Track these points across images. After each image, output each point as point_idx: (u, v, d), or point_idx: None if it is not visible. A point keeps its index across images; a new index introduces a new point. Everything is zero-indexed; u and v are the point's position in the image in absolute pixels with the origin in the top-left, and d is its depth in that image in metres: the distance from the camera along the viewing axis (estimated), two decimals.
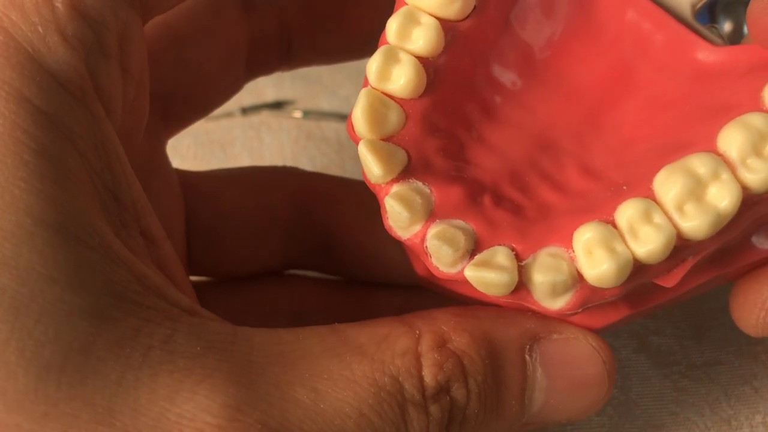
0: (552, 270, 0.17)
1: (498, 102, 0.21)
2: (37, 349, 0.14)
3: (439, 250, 0.18)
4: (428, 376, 0.17)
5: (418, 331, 0.18)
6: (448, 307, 0.19)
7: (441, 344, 0.18)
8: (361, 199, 0.26)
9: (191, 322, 0.16)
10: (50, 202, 0.15)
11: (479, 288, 0.18)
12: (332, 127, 0.35)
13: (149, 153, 0.23)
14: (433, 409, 0.17)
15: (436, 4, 0.19)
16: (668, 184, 0.17)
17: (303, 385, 0.16)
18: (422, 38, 0.19)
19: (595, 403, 0.19)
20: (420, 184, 0.19)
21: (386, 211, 0.19)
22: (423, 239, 0.18)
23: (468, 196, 0.19)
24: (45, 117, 0.16)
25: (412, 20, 0.19)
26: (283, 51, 0.26)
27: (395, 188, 0.18)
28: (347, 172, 0.33)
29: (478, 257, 0.18)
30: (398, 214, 0.18)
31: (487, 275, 0.17)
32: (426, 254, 0.18)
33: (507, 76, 0.21)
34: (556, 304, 0.18)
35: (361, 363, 0.17)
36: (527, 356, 0.18)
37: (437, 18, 0.20)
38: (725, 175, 0.17)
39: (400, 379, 0.17)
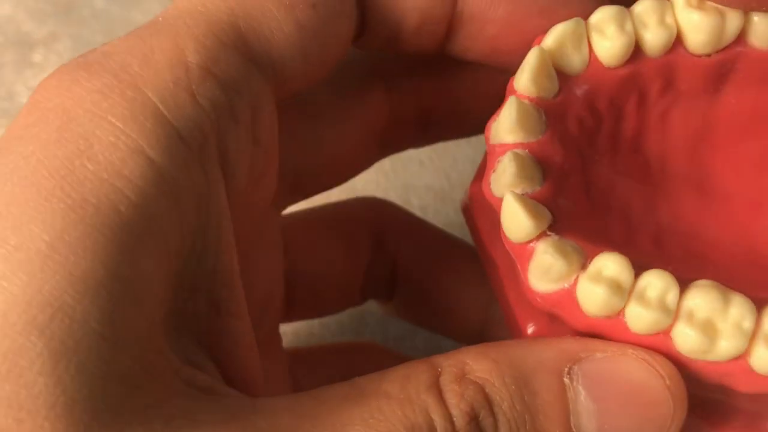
0: None
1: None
2: (69, 406, 0.14)
3: (596, 292, 0.17)
4: (453, 407, 0.16)
5: (439, 368, 0.17)
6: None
7: (461, 375, 0.17)
8: (435, 242, 0.27)
9: (209, 398, 0.16)
10: (128, 259, 0.15)
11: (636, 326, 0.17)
12: None
13: (266, 220, 0.23)
14: None
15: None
16: None
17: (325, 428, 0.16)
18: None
19: (661, 427, 0.17)
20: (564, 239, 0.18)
21: (531, 267, 0.18)
22: (574, 288, 0.17)
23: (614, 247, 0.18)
24: (153, 169, 0.16)
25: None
26: (419, 131, 0.25)
27: (546, 241, 0.17)
28: None
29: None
30: (553, 265, 0.17)
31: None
32: (576, 302, 0.17)
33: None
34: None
35: (389, 404, 0.16)
36: (566, 379, 0.17)
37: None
38: None
39: (430, 411, 0.16)
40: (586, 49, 0.19)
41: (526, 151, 0.19)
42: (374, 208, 0.27)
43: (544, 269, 0.17)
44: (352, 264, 0.26)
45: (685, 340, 0.17)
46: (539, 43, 0.19)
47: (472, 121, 0.25)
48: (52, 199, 0.15)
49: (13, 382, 0.14)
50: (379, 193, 0.32)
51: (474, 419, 0.16)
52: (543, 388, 0.17)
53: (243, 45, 0.18)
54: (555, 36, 0.19)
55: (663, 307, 0.17)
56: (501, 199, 0.18)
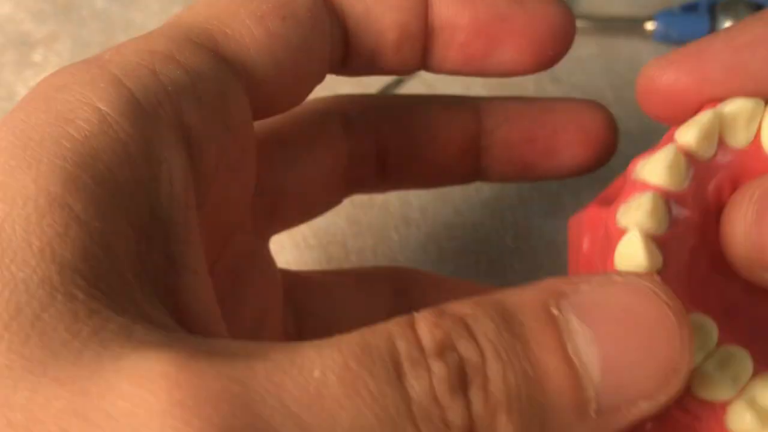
0: None
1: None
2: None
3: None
4: (424, 334, 0.15)
5: (413, 312, 0.16)
6: None
7: (439, 311, 0.15)
8: (456, 293, 0.27)
9: (156, 326, 0.15)
10: (64, 178, 0.16)
11: None
12: None
13: (253, 247, 0.24)
14: (437, 365, 0.14)
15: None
16: None
17: (275, 349, 0.14)
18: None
19: (670, 351, 0.16)
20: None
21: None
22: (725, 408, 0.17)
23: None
24: (100, 116, 0.17)
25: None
26: (379, 172, 0.26)
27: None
28: None
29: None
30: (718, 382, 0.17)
31: None
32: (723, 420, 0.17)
33: None
34: None
35: (349, 336, 0.15)
36: (553, 310, 0.16)
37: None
38: None
39: (393, 338, 0.15)
40: (754, 128, 0.20)
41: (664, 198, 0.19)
42: (398, 273, 0.27)
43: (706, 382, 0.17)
44: (372, 310, 0.26)
45: None
46: (714, 107, 0.20)
47: (429, 169, 0.26)
48: (2, 143, 0.17)
49: None
50: (378, 195, 0.32)
51: (450, 348, 0.15)
52: (529, 319, 0.15)
53: (211, 43, 0.20)
54: (733, 107, 0.20)
55: None
56: (623, 231, 0.18)
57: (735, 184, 0.20)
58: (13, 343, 0.14)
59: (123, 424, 0.13)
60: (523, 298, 0.16)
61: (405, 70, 0.24)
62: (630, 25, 0.37)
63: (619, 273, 0.17)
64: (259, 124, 0.22)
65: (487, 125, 0.25)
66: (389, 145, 0.26)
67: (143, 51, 0.19)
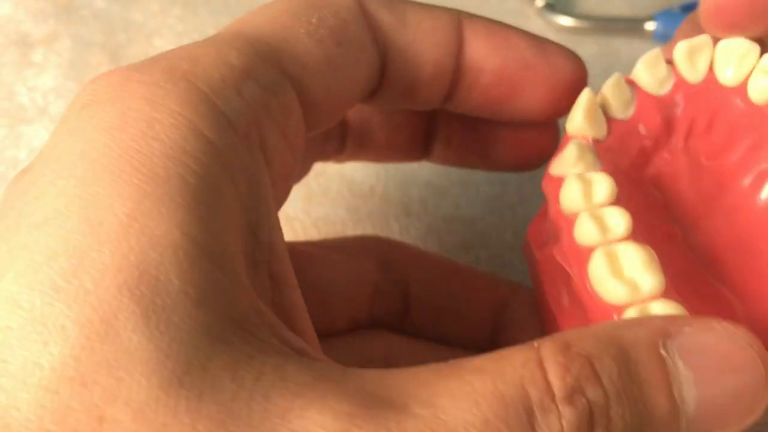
0: None
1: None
2: (161, 361, 0.15)
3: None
4: (555, 379, 0.16)
5: (537, 344, 0.17)
6: None
7: (565, 348, 0.16)
8: (437, 264, 0.28)
9: (301, 359, 0.16)
10: (201, 222, 0.16)
11: None
12: None
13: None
14: (567, 411, 0.16)
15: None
16: None
17: (420, 402, 0.15)
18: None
19: (756, 393, 0.18)
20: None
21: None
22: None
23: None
24: (211, 146, 0.17)
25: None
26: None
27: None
28: None
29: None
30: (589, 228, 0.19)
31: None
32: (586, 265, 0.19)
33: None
34: None
35: (481, 378, 0.16)
36: (662, 351, 0.17)
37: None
38: None
39: (525, 385, 0.16)
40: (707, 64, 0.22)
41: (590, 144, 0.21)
42: (381, 244, 0.28)
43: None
44: (358, 279, 0.27)
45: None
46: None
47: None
48: (125, 176, 0.16)
49: (110, 342, 0.15)
50: (378, 186, 0.32)
51: (577, 392, 0.16)
52: (644, 360, 0.17)
53: (276, 59, 0.20)
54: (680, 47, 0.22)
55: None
56: (560, 179, 0.20)
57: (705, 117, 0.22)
58: (190, 401, 0.15)
59: None
60: (638, 337, 0.17)
61: (428, 106, 0.24)
62: (630, 25, 0.37)
63: (717, 320, 0.18)
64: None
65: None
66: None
67: (223, 65, 0.19)
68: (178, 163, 0.16)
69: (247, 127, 0.18)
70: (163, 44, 0.36)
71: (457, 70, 0.23)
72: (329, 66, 0.21)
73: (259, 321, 0.16)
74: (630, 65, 0.36)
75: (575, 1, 0.37)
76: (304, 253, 0.26)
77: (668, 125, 0.22)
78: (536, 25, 0.37)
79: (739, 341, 0.17)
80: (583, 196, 0.20)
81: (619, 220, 0.19)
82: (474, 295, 0.27)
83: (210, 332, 0.15)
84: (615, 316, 0.19)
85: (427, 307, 0.27)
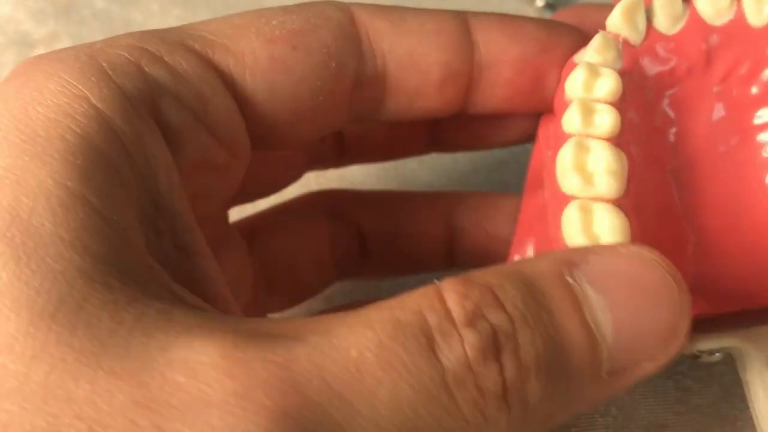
0: None
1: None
2: (32, 297, 0.15)
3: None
4: (453, 305, 0.16)
5: (437, 281, 0.16)
6: None
7: (465, 280, 0.16)
8: (383, 198, 0.28)
9: (192, 307, 0.16)
10: (78, 173, 0.17)
11: None
12: None
13: (224, 229, 0.25)
14: (469, 335, 0.15)
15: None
16: None
17: (315, 333, 0.15)
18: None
19: (674, 313, 0.17)
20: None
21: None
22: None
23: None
24: (96, 111, 0.18)
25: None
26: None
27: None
28: None
29: None
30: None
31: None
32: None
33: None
34: None
35: (378, 310, 0.16)
36: (569, 279, 0.17)
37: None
38: None
39: (422, 311, 0.15)
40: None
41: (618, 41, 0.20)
42: (329, 195, 0.28)
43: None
44: (316, 239, 0.27)
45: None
46: None
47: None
48: (9, 137, 0.17)
49: None
50: (379, 188, 0.32)
51: (479, 317, 0.15)
52: (550, 288, 0.16)
53: (207, 52, 0.20)
54: None
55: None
56: (575, 65, 0.20)
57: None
58: (62, 335, 0.15)
59: (185, 414, 0.14)
60: (540, 268, 0.17)
61: (447, 112, 0.24)
62: None
63: (623, 245, 0.17)
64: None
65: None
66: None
67: (134, 47, 0.19)
68: (60, 124, 0.17)
69: (143, 103, 0.19)
70: None
71: (473, 70, 0.23)
72: (275, 66, 0.21)
73: (148, 276, 0.16)
74: None
75: (575, 1, 0.38)
76: (261, 227, 0.26)
77: (709, 58, 0.21)
78: None
79: (649, 262, 0.17)
80: (584, 85, 0.20)
81: (606, 117, 0.19)
82: (421, 216, 0.27)
83: (86, 274, 0.15)
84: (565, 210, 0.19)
85: (382, 241, 0.27)
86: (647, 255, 0.17)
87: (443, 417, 0.15)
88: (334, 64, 0.21)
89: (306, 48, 0.21)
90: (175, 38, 0.20)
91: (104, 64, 0.19)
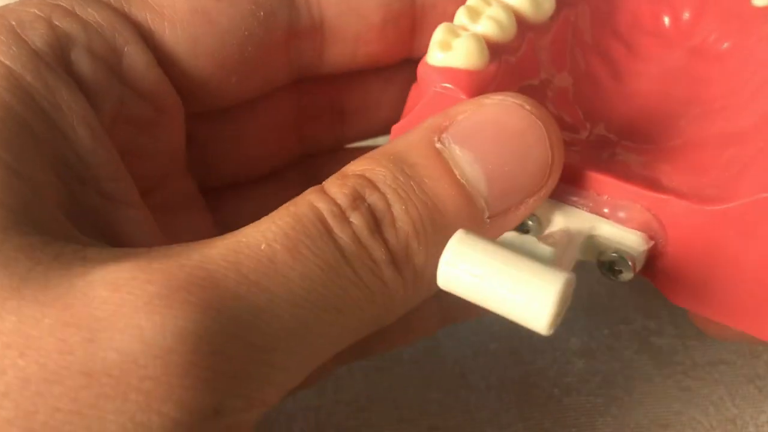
0: None
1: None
2: None
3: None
4: (336, 194, 0.17)
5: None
6: None
7: (341, 174, 0.18)
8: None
9: (106, 248, 0.17)
10: None
11: None
12: None
13: (187, 191, 0.24)
14: (355, 216, 0.17)
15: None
16: None
17: (223, 238, 0.16)
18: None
19: (542, 148, 0.18)
20: None
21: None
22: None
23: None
24: (7, 71, 0.18)
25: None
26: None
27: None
28: None
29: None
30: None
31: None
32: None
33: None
34: None
35: (276, 211, 0.17)
36: (438, 145, 0.18)
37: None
38: None
39: (313, 203, 0.17)
40: None
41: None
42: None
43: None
44: (273, 106, 0.26)
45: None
46: None
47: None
48: None
49: None
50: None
51: (358, 198, 0.17)
52: (419, 158, 0.18)
53: (123, 6, 0.20)
54: None
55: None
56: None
57: None
58: None
59: (113, 322, 0.15)
60: (409, 141, 0.18)
61: (392, 58, 0.23)
62: None
63: (488, 96, 0.18)
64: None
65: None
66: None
67: (46, 4, 0.19)
68: None
69: (55, 57, 0.19)
70: None
71: (415, 10, 0.22)
72: (196, 17, 0.21)
73: (57, 227, 0.17)
74: None
75: None
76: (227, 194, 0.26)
77: None
78: None
79: (511, 106, 0.18)
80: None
81: (492, 21, 0.20)
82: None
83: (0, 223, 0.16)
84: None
85: (355, 109, 0.26)
86: (509, 100, 0.18)
87: (349, 287, 0.17)
88: (262, 14, 0.21)
89: (231, 0, 0.21)
90: None
91: (13, 22, 0.19)
